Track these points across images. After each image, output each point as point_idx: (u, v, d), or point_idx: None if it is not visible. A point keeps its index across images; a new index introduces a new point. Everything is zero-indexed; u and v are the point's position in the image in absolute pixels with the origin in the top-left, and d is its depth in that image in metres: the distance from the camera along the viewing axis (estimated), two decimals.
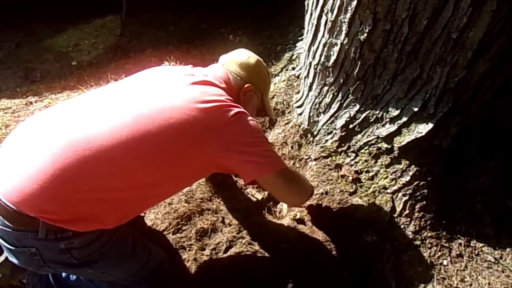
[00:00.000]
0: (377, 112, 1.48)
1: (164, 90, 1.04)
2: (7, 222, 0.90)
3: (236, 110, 1.06)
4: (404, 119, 1.42)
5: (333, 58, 1.50)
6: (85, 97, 1.09)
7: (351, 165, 1.56)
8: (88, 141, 0.92)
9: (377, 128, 1.50)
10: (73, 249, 0.95)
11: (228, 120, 1.03)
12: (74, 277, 1.23)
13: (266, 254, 1.42)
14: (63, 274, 1.23)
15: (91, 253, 0.99)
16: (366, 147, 1.54)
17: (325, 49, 1.52)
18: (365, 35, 1.34)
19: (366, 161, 1.54)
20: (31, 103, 2.26)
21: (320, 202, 1.54)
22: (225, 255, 1.41)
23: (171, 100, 1.01)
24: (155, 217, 1.53)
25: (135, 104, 1.00)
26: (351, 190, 1.53)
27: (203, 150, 1.02)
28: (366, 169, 1.54)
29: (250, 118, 1.10)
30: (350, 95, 1.52)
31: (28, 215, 0.88)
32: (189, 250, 1.43)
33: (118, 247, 1.06)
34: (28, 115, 2.14)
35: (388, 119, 1.46)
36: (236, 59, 1.26)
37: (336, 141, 1.60)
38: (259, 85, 1.29)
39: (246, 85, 1.24)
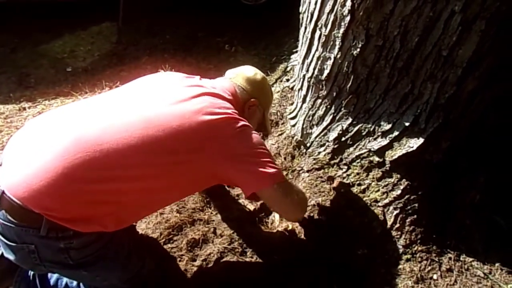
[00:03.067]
0: (369, 125, 1.50)
1: (175, 98, 1.07)
2: (10, 217, 0.91)
3: (242, 123, 1.10)
4: (396, 133, 1.43)
5: (326, 72, 1.52)
6: (97, 98, 1.11)
7: (343, 178, 1.57)
8: (97, 143, 0.93)
9: (369, 141, 1.51)
10: (72, 249, 0.96)
11: (234, 132, 1.07)
12: (63, 285, 1.21)
13: (257, 266, 1.42)
14: (52, 282, 1.22)
15: (89, 255, 1.00)
16: (358, 160, 1.55)
17: (319, 62, 1.54)
18: (358, 50, 1.36)
19: (358, 174, 1.55)
20: (24, 108, 2.26)
21: (312, 214, 1.54)
22: (216, 266, 1.41)
23: (182, 109, 1.04)
24: (146, 226, 1.52)
25: (146, 109, 1.02)
26: (343, 203, 1.54)
27: (208, 159, 1.05)
28: (358, 182, 1.55)
29: (253, 131, 1.14)
30: (342, 109, 1.54)
31: (32, 211, 0.88)
32: (179, 261, 1.42)
33: (115, 252, 1.07)
34: (21, 121, 2.13)
35: (380, 133, 1.48)
36: (243, 74, 1.32)
37: (328, 153, 1.62)
38: (262, 101, 1.34)
39: (251, 100, 1.29)
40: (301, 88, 1.75)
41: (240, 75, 1.32)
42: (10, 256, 0.98)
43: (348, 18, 1.33)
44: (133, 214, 1.08)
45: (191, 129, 1.01)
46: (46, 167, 0.90)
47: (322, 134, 1.64)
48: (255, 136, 1.12)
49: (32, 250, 0.94)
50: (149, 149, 0.97)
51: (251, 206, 1.64)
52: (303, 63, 1.67)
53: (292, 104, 1.93)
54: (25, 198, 0.88)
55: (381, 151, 1.48)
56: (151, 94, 1.09)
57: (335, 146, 1.60)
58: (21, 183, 0.89)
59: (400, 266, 1.40)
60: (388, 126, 1.45)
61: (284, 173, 1.73)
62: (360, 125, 1.52)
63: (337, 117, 1.58)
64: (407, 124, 1.40)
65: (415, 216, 1.45)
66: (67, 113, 1.04)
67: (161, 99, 1.06)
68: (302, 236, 1.52)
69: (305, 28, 1.61)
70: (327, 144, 1.62)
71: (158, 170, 1.00)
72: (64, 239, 0.93)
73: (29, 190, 0.88)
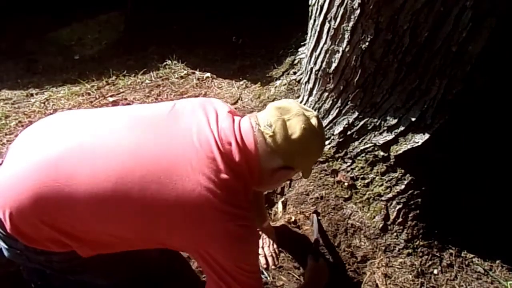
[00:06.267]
0: (375, 120, 1.50)
1: (175, 147, 0.87)
2: None
3: (239, 222, 0.85)
4: (402, 128, 1.44)
5: (334, 65, 1.52)
6: (99, 115, 0.97)
7: (347, 171, 1.58)
8: (70, 176, 0.83)
9: (375, 136, 1.52)
10: (54, 262, 0.93)
11: (218, 232, 0.84)
12: None
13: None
14: None
15: (74, 266, 0.95)
16: (363, 154, 1.55)
17: (327, 55, 1.54)
18: (367, 44, 1.36)
19: (362, 168, 1.56)
20: (31, 95, 2.27)
21: (315, 207, 1.56)
22: None
23: (173, 165, 0.84)
24: None
25: (135, 155, 0.86)
26: (346, 196, 1.55)
27: (182, 246, 0.92)
28: (362, 176, 1.56)
29: (247, 235, 0.88)
30: (349, 102, 1.54)
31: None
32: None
33: (104, 261, 0.97)
34: (28, 107, 2.15)
35: (385, 128, 1.48)
36: (286, 134, 0.89)
37: (333, 147, 1.62)
38: (302, 165, 0.98)
39: (286, 170, 0.94)
40: (308, 81, 1.75)
41: (281, 133, 0.89)
42: (5, 253, 0.97)
43: (358, 11, 1.32)
44: (103, 249, 0.94)
45: (175, 195, 0.82)
46: (18, 186, 0.84)
47: (327, 127, 1.64)
48: (247, 243, 0.89)
49: (20, 253, 0.92)
50: (122, 197, 0.83)
51: None
52: (311, 56, 1.67)
53: (298, 97, 1.93)
54: (1, 216, 0.85)
55: (386, 146, 1.49)
56: (151, 134, 0.89)
57: (341, 140, 1.60)
58: (1, 197, 0.85)
59: (401, 260, 1.41)
60: (394, 121, 1.45)
61: None
62: (366, 119, 1.52)
63: (343, 111, 1.58)
64: (413, 119, 1.40)
65: (418, 211, 1.46)
66: (63, 126, 0.94)
67: (158, 143, 0.87)
68: (305, 228, 1.53)
69: (314, 20, 1.60)
70: (332, 137, 1.63)
71: (127, 219, 0.86)
72: (43, 254, 0.89)
73: (2, 208, 0.84)
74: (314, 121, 0.93)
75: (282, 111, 0.92)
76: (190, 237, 0.86)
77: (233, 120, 0.95)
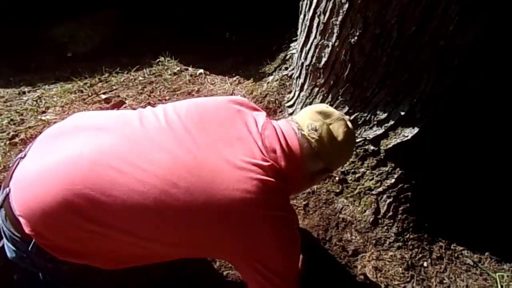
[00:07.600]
0: (365, 114, 1.51)
1: (215, 156, 0.84)
2: (7, 223, 0.85)
3: (287, 229, 0.86)
4: (391, 122, 1.44)
5: (324, 60, 1.52)
6: (137, 116, 0.93)
7: None
8: (107, 185, 0.80)
9: (365, 130, 1.52)
10: (62, 271, 0.91)
11: (270, 238, 0.83)
12: None
13: None
14: None
15: (80, 278, 0.94)
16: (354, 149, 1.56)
17: (317, 50, 1.54)
18: (356, 38, 1.36)
19: (353, 162, 1.56)
20: (24, 92, 2.26)
21: (306, 201, 1.56)
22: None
23: (217, 175, 0.81)
24: None
25: (177, 154, 0.83)
26: (337, 191, 1.56)
27: (224, 253, 0.91)
28: (352, 170, 1.56)
29: (295, 236, 0.90)
30: (339, 97, 1.55)
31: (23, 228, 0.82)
32: None
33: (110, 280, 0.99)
34: (21, 105, 2.14)
35: (375, 122, 1.49)
36: (332, 136, 0.94)
37: None
38: (337, 166, 1.09)
39: (325, 171, 0.99)
40: (299, 76, 1.75)
41: (328, 136, 0.93)
42: (9, 253, 0.93)
43: (346, 6, 1.32)
44: (125, 260, 0.93)
45: (225, 218, 0.80)
46: (49, 188, 0.80)
47: None
48: (292, 247, 0.90)
49: (26, 256, 0.89)
50: (161, 221, 0.80)
51: None
52: (301, 51, 1.67)
53: (290, 92, 1.93)
54: (21, 215, 0.81)
55: (376, 140, 1.49)
56: (191, 139, 0.86)
57: None
58: (22, 194, 0.82)
59: (392, 253, 1.42)
60: (384, 115, 1.46)
61: None
62: (357, 113, 1.53)
63: (334, 106, 1.58)
64: (402, 113, 1.41)
65: (408, 204, 1.47)
66: (101, 125, 0.90)
67: (199, 154, 0.84)
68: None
69: (304, 15, 1.60)
70: None
71: (169, 225, 0.83)
72: (52, 262, 0.86)
73: (25, 208, 0.81)
74: (349, 124, 0.99)
75: (323, 115, 0.96)
76: (241, 249, 0.85)
77: (274, 126, 0.94)
